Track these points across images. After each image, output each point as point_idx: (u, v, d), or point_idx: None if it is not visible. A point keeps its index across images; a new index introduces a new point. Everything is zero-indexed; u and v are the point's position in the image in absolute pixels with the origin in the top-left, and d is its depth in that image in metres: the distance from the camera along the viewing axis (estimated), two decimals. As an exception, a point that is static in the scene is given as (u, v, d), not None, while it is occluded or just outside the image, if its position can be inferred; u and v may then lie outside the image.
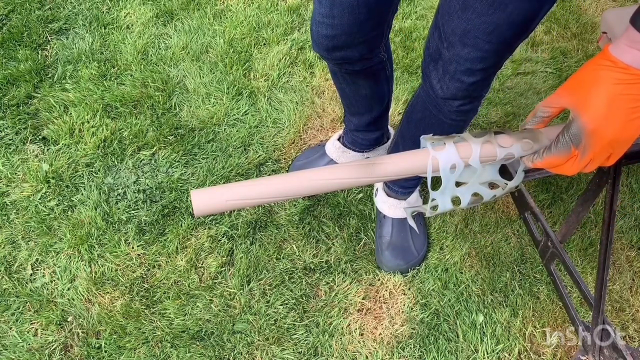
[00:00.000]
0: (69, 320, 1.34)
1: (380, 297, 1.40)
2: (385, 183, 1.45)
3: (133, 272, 1.40)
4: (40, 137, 1.63)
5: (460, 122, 1.12)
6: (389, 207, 1.45)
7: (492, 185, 0.83)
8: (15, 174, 1.55)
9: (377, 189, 1.49)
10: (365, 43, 1.11)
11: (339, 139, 1.56)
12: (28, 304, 1.35)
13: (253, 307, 1.36)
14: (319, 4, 1.03)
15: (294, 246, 1.45)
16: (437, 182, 1.04)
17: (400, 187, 1.42)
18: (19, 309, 1.34)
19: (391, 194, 1.45)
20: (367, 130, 1.47)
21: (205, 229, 1.47)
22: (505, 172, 0.85)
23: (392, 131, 1.59)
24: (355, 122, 1.45)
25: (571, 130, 0.70)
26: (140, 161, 1.59)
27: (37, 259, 1.41)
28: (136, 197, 1.51)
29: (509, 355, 1.32)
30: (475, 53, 0.92)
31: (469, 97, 1.03)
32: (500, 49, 0.92)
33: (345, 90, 1.33)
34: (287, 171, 1.59)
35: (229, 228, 1.47)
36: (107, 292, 1.37)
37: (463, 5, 0.88)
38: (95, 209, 1.49)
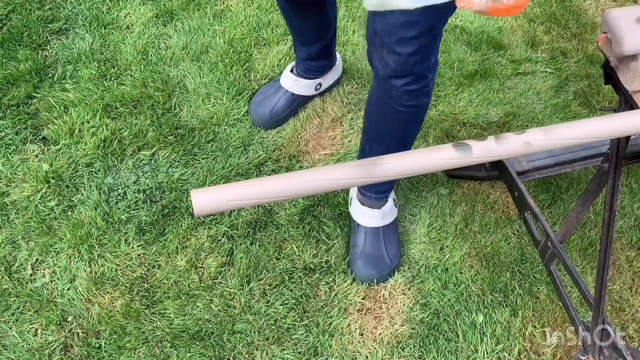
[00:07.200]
0: (69, 320, 1.34)
1: (380, 297, 1.40)
2: (359, 190, 1.43)
3: (133, 272, 1.40)
4: (40, 137, 1.63)
5: (415, 109, 1.15)
6: (363, 215, 1.42)
7: None
8: (15, 174, 1.55)
9: (351, 198, 1.47)
10: None
11: (291, 71, 1.66)
12: (28, 304, 1.35)
13: (253, 307, 1.36)
14: None
15: (294, 246, 1.45)
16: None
17: (375, 192, 1.41)
18: (19, 309, 1.34)
19: (365, 202, 1.42)
20: (318, 58, 1.59)
21: (205, 229, 1.47)
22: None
23: (338, 56, 1.72)
24: (306, 51, 1.57)
25: None
26: (140, 161, 1.59)
27: (37, 259, 1.41)
28: (136, 197, 1.52)
29: (509, 355, 1.32)
30: (403, 17, 0.96)
31: (411, 74, 1.07)
32: (428, 12, 0.95)
33: (295, 23, 1.49)
34: (249, 110, 1.68)
35: (229, 228, 1.47)
36: (107, 292, 1.37)
37: None
38: (95, 209, 1.49)
